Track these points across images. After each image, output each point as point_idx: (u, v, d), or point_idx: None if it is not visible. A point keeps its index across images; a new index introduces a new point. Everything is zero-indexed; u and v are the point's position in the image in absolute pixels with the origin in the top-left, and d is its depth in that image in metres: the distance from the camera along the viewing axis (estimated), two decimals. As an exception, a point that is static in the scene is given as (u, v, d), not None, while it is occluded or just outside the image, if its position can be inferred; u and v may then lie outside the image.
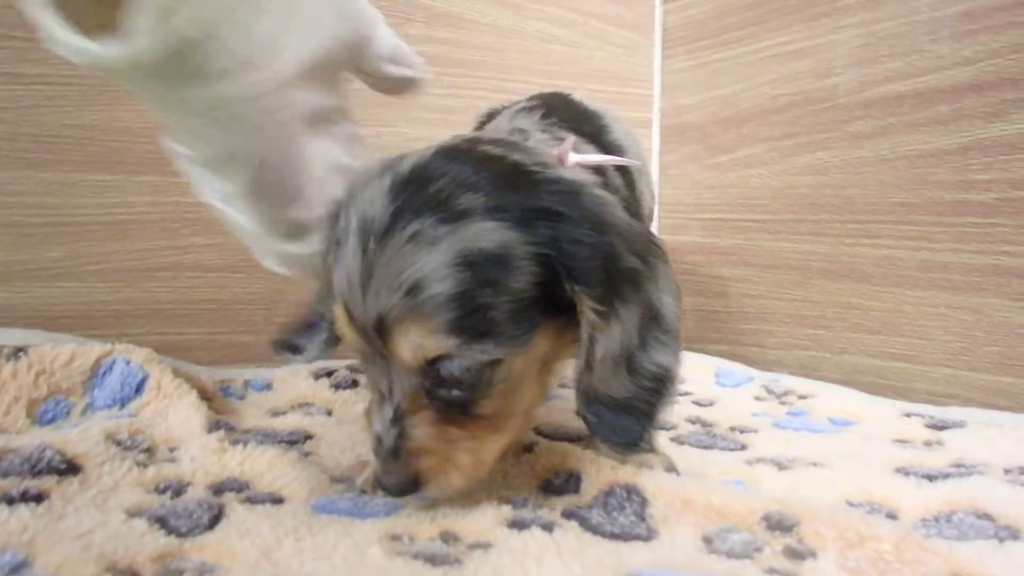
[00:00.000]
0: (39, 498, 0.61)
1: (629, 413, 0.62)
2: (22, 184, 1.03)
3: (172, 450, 0.78)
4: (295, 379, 1.11)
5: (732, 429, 0.96)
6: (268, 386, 1.09)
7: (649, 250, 0.65)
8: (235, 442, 0.78)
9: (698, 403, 1.13)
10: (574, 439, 0.85)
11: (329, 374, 1.12)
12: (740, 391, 1.20)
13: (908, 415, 1.01)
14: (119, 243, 1.10)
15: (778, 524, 0.57)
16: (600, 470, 0.68)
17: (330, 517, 0.63)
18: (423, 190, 0.59)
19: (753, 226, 1.43)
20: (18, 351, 0.90)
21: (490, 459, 0.64)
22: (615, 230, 0.61)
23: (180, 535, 0.57)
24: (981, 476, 0.73)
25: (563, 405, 0.99)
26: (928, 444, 0.89)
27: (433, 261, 0.56)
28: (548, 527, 0.59)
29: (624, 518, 0.62)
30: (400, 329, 0.58)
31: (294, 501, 0.67)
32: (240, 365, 1.18)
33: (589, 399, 0.62)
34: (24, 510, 0.58)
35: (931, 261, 1.14)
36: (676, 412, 1.04)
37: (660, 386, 0.63)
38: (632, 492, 0.65)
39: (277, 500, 0.67)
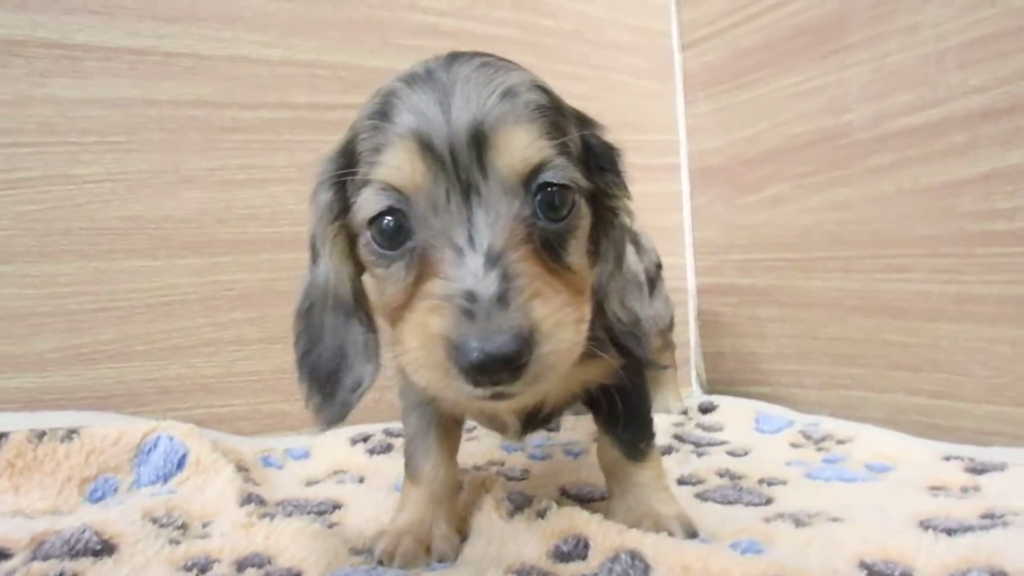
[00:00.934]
0: (74, 580, 0.64)
1: (631, 337, 0.69)
2: (75, 274, 1.10)
3: (205, 525, 0.81)
4: (333, 445, 1.14)
5: (761, 482, 0.95)
6: (307, 454, 1.13)
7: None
8: (263, 515, 0.81)
9: (732, 453, 1.11)
10: (597, 499, 0.86)
11: (366, 439, 1.15)
12: (778, 437, 1.19)
13: (948, 458, 0.98)
14: (165, 323, 1.16)
15: (772, 588, 0.57)
16: (607, 535, 0.68)
17: (342, 590, 0.65)
18: (462, 53, 0.62)
19: (784, 265, 1.42)
20: (71, 432, 0.95)
21: (587, 320, 0.58)
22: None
23: (200, 613, 0.60)
24: (1005, 528, 0.71)
25: (591, 461, 1.00)
26: (964, 490, 0.86)
27: (515, 77, 0.59)
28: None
29: None
30: (504, 131, 0.55)
31: (311, 574, 0.69)
32: (282, 433, 1.22)
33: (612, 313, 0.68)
34: (58, 592, 0.61)
35: (964, 293, 1.12)
36: (706, 466, 1.02)
37: (636, 328, 0.70)
38: (636, 558, 0.65)
39: (295, 574, 0.69)
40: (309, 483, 1.02)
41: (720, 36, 1.57)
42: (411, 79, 0.59)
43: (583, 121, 0.69)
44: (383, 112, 0.58)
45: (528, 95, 0.58)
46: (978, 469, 0.92)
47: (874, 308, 1.25)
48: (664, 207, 1.67)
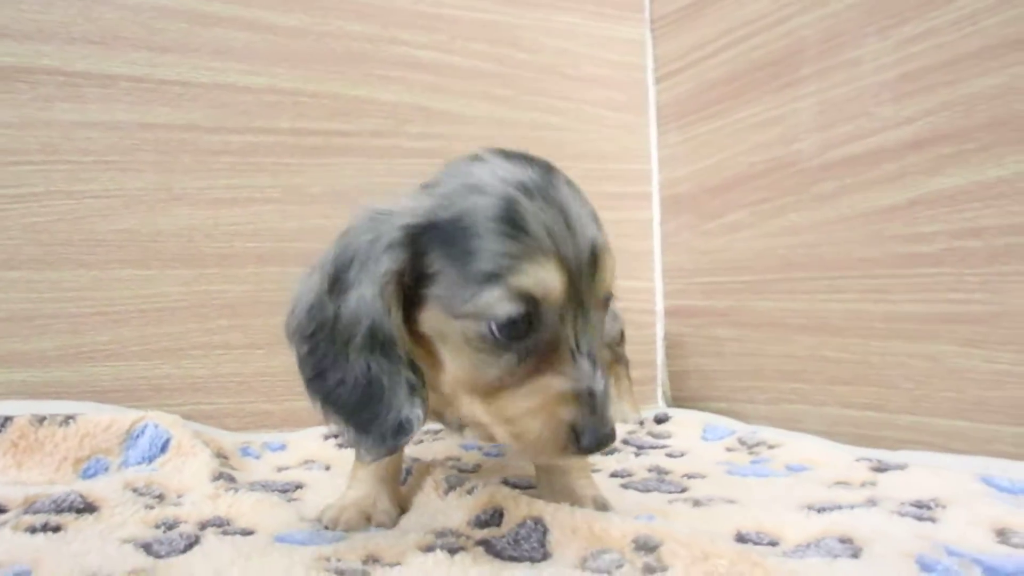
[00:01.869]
0: (56, 529, 0.78)
1: None
2: (75, 280, 1.26)
3: (179, 496, 0.95)
4: (308, 440, 1.28)
5: (684, 476, 1.05)
6: (283, 446, 1.27)
7: None
8: (229, 489, 0.94)
9: (670, 455, 1.22)
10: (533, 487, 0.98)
11: (336, 436, 1.28)
12: (718, 444, 1.29)
13: (860, 460, 1.08)
14: (156, 327, 1.31)
15: (644, 545, 0.67)
16: (519, 506, 0.79)
17: (284, 545, 0.76)
18: (531, 159, 0.70)
19: (741, 287, 1.54)
20: (68, 418, 1.10)
21: None
22: None
23: (158, 557, 0.73)
24: (869, 508, 0.82)
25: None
26: (863, 485, 0.96)
27: (589, 199, 0.70)
28: (453, 550, 0.71)
29: (528, 544, 0.73)
30: (607, 255, 0.67)
31: (262, 534, 0.82)
32: (265, 430, 1.36)
33: None
34: (41, 537, 0.75)
35: (892, 312, 1.23)
36: (640, 463, 1.14)
37: None
38: (538, 523, 0.76)
39: (248, 533, 0.82)
40: (280, 469, 1.15)
41: (691, 69, 1.70)
42: (525, 190, 0.65)
43: None
44: (513, 221, 0.64)
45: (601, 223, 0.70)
46: (881, 468, 1.02)
47: (816, 327, 1.36)
48: (636, 233, 1.80)
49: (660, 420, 1.46)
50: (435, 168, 0.77)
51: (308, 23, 1.46)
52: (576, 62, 1.75)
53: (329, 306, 0.69)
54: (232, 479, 1.02)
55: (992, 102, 1.09)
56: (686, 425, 1.41)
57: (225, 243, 1.37)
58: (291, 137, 1.43)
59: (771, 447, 1.22)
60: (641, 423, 1.46)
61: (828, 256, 1.35)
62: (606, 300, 0.69)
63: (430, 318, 0.69)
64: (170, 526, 0.83)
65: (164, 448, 1.09)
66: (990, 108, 1.09)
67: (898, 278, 1.22)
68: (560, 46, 1.73)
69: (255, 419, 1.37)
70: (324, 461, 1.19)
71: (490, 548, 0.73)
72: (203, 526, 0.84)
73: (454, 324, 0.66)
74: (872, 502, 0.86)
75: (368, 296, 0.67)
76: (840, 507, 0.84)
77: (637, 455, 1.23)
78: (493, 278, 0.63)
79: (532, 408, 0.65)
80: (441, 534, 0.78)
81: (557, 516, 0.76)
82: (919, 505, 0.82)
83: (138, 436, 1.11)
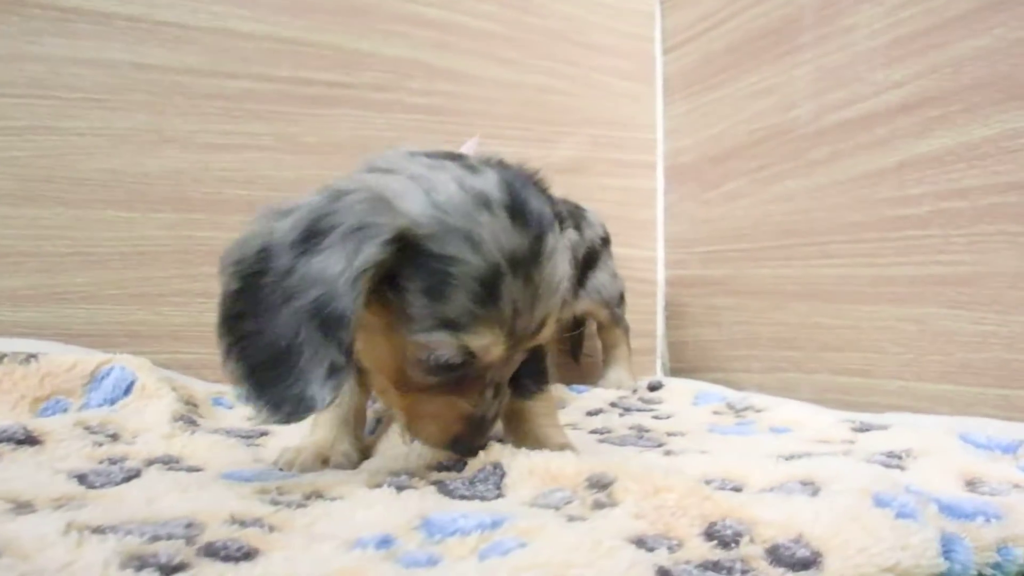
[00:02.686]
0: (-11, 458, 0.70)
1: None
2: (55, 220, 1.17)
3: (134, 437, 0.86)
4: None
5: (665, 434, 0.98)
6: (259, 398, 1.18)
7: None
8: (186, 431, 0.86)
9: (656, 417, 1.14)
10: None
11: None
12: (706, 408, 1.21)
13: (843, 421, 1.01)
14: (137, 271, 1.23)
15: (597, 482, 0.60)
16: (481, 454, 0.72)
17: (228, 481, 0.69)
18: (532, 215, 0.68)
19: (739, 255, 1.46)
20: (30, 357, 1.01)
21: None
22: None
23: (90, 487, 0.65)
24: (839, 457, 0.75)
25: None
26: (842, 443, 0.89)
27: (566, 264, 0.71)
28: (402, 487, 0.64)
29: (483, 486, 0.66)
30: (555, 317, 0.71)
31: (210, 471, 0.74)
32: (244, 382, 1.27)
33: None
34: (-33, 465, 0.67)
35: (879, 276, 1.16)
36: (623, 423, 1.06)
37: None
38: (497, 467, 0.69)
39: (195, 469, 0.74)
40: (251, 418, 1.06)
41: (696, 40, 1.61)
42: (513, 263, 0.65)
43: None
44: (490, 290, 0.64)
45: (568, 285, 0.72)
46: (863, 428, 0.95)
47: (809, 293, 1.29)
48: (639, 202, 1.70)
49: (653, 388, 1.37)
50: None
51: (313, -27, 1.37)
52: (585, 29, 1.65)
53: (286, 256, 0.63)
54: (193, 422, 0.94)
55: (977, 63, 1.05)
56: (678, 392, 1.32)
57: (214, 189, 1.28)
58: (289, 86, 1.34)
59: (758, 411, 1.14)
60: (634, 391, 1.37)
61: (821, 222, 1.27)
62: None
63: (383, 315, 0.66)
64: (114, 461, 0.75)
65: (128, 391, 1.00)
66: (975, 69, 1.05)
67: (887, 241, 1.16)
68: (569, 12, 1.63)
69: (236, 371, 1.28)
70: (298, 412, 1.10)
71: (442, 488, 0.66)
72: (149, 463, 0.75)
73: (400, 335, 0.66)
74: (844, 454, 0.80)
75: (334, 270, 0.61)
76: (811, 455, 0.76)
77: (622, 416, 1.15)
78: (450, 325, 0.64)
79: (435, 415, 0.70)
80: (395, 474, 0.69)
81: (516, 459, 0.68)
82: (890, 455, 0.77)
83: (102, 378, 1.02)
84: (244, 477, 0.71)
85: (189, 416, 0.94)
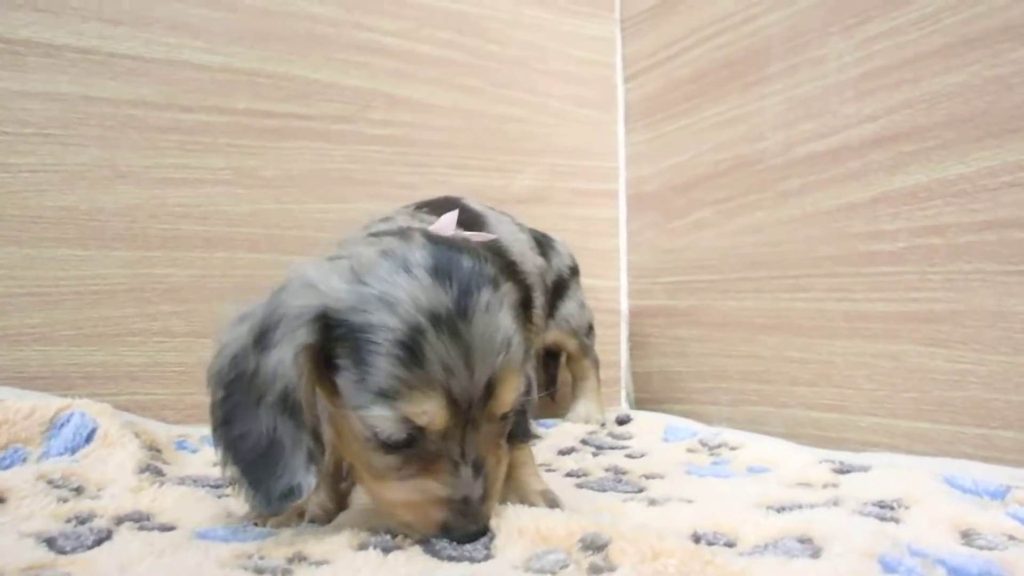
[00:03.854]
0: (-50, 520, 0.69)
1: None
2: (6, 259, 1.16)
3: (100, 490, 0.85)
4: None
5: (642, 476, 0.99)
6: (223, 441, 1.17)
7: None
8: (154, 483, 0.85)
9: (630, 456, 1.15)
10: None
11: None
12: (678, 445, 1.22)
13: (822, 461, 1.01)
14: (92, 311, 1.21)
15: (591, 544, 0.61)
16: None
17: (203, 541, 0.69)
18: (457, 272, 0.68)
19: (705, 287, 1.49)
20: (-16, 404, 0.99)
21: None
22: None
23: (61, 552, 0.64)
24: (832, 508, 0.76)
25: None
26: (825, 486, 0.90)
27: (508, 320, 0.68)
28: (388, 549, 0.64)
29: (470, 546, 0.66)
30: (507, 380, 0.68)
31: (183, 529, 0.73)
32: (205, 423, 1.25)
33: None
34: (-70, 530, 0.65)
35: (853, 311, 1.18)
36: (598, 463, 1.07)
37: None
38: (488, 530, 0.69)
39: (167, 528, 0.73)
40: (216, 464, 1.06)
41: (658, 68, 1.65)
42: (435, 322, 0.65)
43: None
44: (413, 351, 0.64)
45: (516, 343, 0.69)
46: (844, 470, 0.96)
47: (779, 327, 1.31)
48: (602, 231, 1.73)
49: (622, 422, 1.39)
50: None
51: (269, 2, 1.37)
52: (544, 56, 1.68)
53: (251, 359, 0.69)
54: (160, 472, 0.93)
55: (953, 99, 1.07)
56: (648, 426, 1.34)
57: (171, 225, 1.27)
58: (246, 118, 1.34)
59: (732, 448, 1.16)
60: (603, 424, 1.39)
61: (792, 254, 1.30)
62: (508, 411, 0.71)
63: (334, 401, 0.70)
64: (82, 520, 0.74)
65: (89, 438, 0.98)
66: (951, 106, 1.07)
67: (860, 276, 1.18)
68: (528, 39, 1.67)
69: (196, 411, 1.27)
70: (266, 455, 1.10)
71: (428, 548, 0.66)
72: (119, 521, 0.75)
73: (351, 416, 0.68)
74: (834, 502, 0.81)
75: (286, 360, 0.67)
76: (800, 506, 0.78)
77: (595, 455, 1.16)
78: (384, 397, 0.65)
79: (409, 503, 0.68)
80: (376, 532, 0.70)
81: (504, 519, 0.69)
82: (882, 505, 0.77)
83: (62, 425, 0.99)
84: (220, 536, 0.71)
85: (154, 465, 0.93)
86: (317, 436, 0.68)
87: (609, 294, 1.71)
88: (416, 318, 0.65)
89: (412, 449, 0.67)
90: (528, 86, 1.65)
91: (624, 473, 1.02)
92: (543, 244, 1.33)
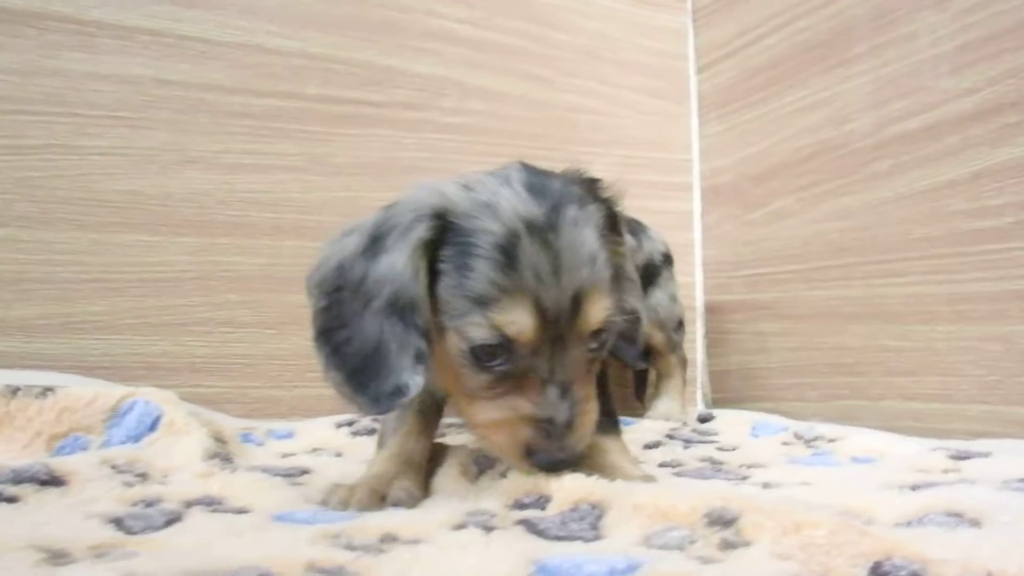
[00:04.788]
0: (12, 500, 0.62)
1: (626, 339, 0.79)
2: (71, 244, 1.11)
3: (165, 476, 0.78)
4: (316, 429, 1.11)
5: (742, 466, 0.91)
6: (290, 434, 1.10)
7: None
8: (224, 469, 0.78)
9: (721, 448, 1.07)
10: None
11: (351, 423, 1.12)
12: (771, 439, 1.14)
13: (934, 449, 0.94)
14: (157, 299, 1.15)
15: (719, 519, 0.53)
16: (567, 488, 0.64)
17: (283, 524, 0.62)
18: (551, 190, 0.69)
19: (788, 277, 1.39)
20: (46, 390, 0.93)
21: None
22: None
23: (130, 533, 0.57)
24: (971, 485, 0.68)
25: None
26: (945, 471, 0.82)
27: (593, 237, 0.69)
28: (488, 528, 0.56)
29: (576, 525, 0.59)
30: (593, 297, 0.67)
31: (258, 513, 0.66)
32: (270, 418, 1.19)
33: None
34: (-7, 506, 0.59)
35: (956, 293, 1.10)
36: (690, 455, 0.99)
37: (636, 321, 0.79)
38: (595, 507, 0.61)
39: (242, 511, 0.66)
40: (285, 456, 0.99)
41: (732, 57, 1.56)
42: (529, 228, 0.66)
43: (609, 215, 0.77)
44: (509, 255, 0.65)
45: (601, 256, 0.69)
46: (962, 456, 0.88)
47: (872, 314, 1.22)
48: (676, 225, 1.64)
49: (704, 419, 1.29)
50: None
51: (342, -12, 1.32)
52: (615, 46, 1.60)
53: (359, 266, 0.70)
54: (228, 459, 0.86)
55: None
56: (733, 423, 1.25)
57: (240, 212, 1.21)
58: (318, 104, 1.28)
59: (831, 440, 1.07)
60: (685, 423, 1.29)
61: (884, 238, 1.21)
62: (596, 332, 0.70)
63: (437, 314, 0.70)
64: (149, 503, 0.67)
65: (153, 426, 0.92)
66: None
67: (963, 256, 1.09)
68: (598, 28, 1.59)
69: (261, 406, 1.21)
70: (335, 448, 1.03)
71: (531, 527, 0.58)
72: (189, 504, 0.67)
73: (448, 332, 0.69)
74: (970, 482, 0.71)
75: (399, 264, 0.68)
76: (935, 485, 0.69)
77: (685, 447, 1.08)
78: (478, 303, 0.66)
79: (497, 422, 0.68)
80: (471, 514, 0.62)
81: (615, 494, 0.60)
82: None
83: (125, 413, 0.93)
84: (300, 519, 0.63)
85: (223, 453, 0.86)
86: (427, 335, 0.68)
87: (684, 290, 1.60)
88: (515, 223, 0.66)
89: (503, 366, 0.67)
90: (599, 76, 1.57)
91: (721, 463, 0.94)
92: (633, 226, 1.26)
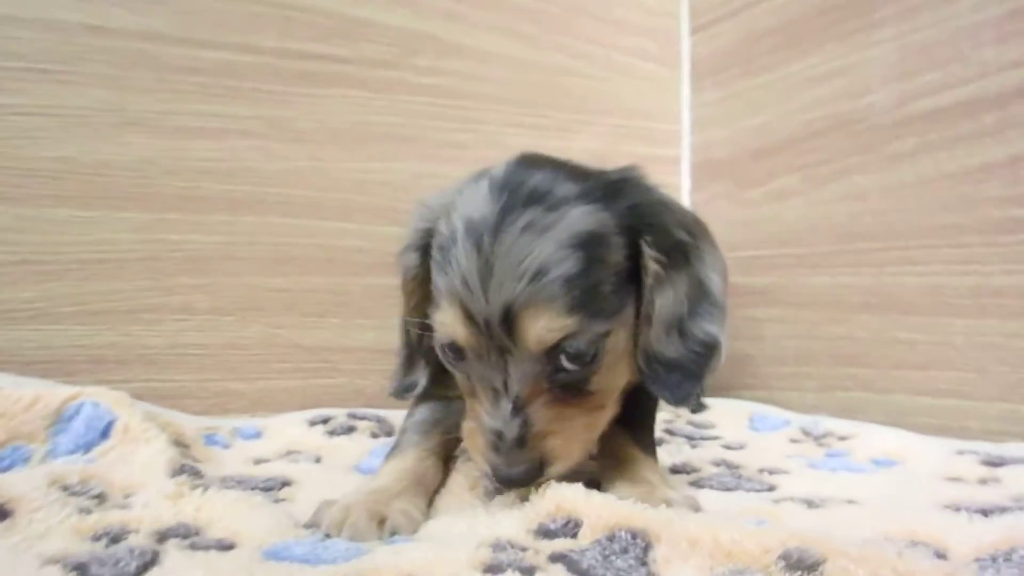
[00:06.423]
0: (-51, 541, 0.55)
1: (679, 372, 0.71)
2: (-5, 220, 1.00)
3: (127, 496, 0.72)
4: (287, 427, 1.06)
5: (761, 471, 0.90)
6: (258, 434, 1.04)
7: (696, 229, 0.76)
8: (196, 487, 0.71)
9: (727, 447, 1.07)
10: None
11: (325, 421, 1.07)
12: (775, 435, 1.13)
13: (961, 452, 0.93)
14: (100, 283, 1.07)
15: (798, 563, 0.49)
16: (601, 511, 0.60)
17: (279, 564, 0.56)
18: (522, 187, 0.67)
19: (789, 262, 1.36)
20: (-24, 394, 0.84)
21: (600, 431, 0.73)
22: (666, 207, 0.74)
23: (98, 583, 0.50)
24: None
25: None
26: (983, 481, 0.81)
27: (549, 246, 0.64)
28: (528, 571, 0.51)
29: (622, 562, 0.54)
30: (529, 315, 0.64)
31: (245, 547, 0.60)
32: (232, 415, 1.12)
33: (648, 357, 0.71)
34: (-76, 554, 0.51)
35: (982, 286, 1.07)
36: (700, 456, 0.98)
37: (707, 351, 0.72)
38: (637, 536, 0.56)
39: (226, 547, 0.60)
40: (258, 462, 0.92)
41: (732, 18, 1.51)
42: (469, 231, 0.66)
43: (629, 196, 0.72)
44: (448, 251, 0.68)
45: (557, 270, 0.64)
46: (995, 462, 0.87)
47: (882, 304, 1.20)
48: (661, 202, 1.59)
49: (695, 410, 1.27)
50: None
51: (302, -73, 1.22)
52: (607, 3, 1.53)
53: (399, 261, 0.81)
54: (197, 473, 0.79)
55: None
56: (728, 414, 1.25)
57: (190, 183, 1.13)
58: (276, 59, 1.19)
59: (842, 439, 1.07)
60: (677, 415, 1.26)
61: (900, 224, 1.18)
62: (549, 350, 0.66)
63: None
64: (114, 537, 0.60)
65: (105, 433, 0.85)
66: None
67: (994, 247, 1.06)
68: (588, -18, 1.52)
69: (221, 401, 1.14)
70: (311, 452, 0.97)
71: (571, 565, 0.54)
72: (161, 537, 0.61)
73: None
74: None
75: (407, 265, 0.79)
76: (1000, 508, 0.67)
77: (692, 446, 1.06)
78: (436, 302, 0.70)
79: (467, 427, 0.71)
80: (497, 546, 0.56)
81: (659, 523, 0.56)
82: None
83: (71, 418, 0.86)
84: (298, 556, 0.57)
85: (191, 466, 0.79)
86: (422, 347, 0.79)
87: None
88: (456, 225, 0.67)
89: (463, 366, 0.70)
90: (589, 36, 1.51)
91: (736, 467, 0.92)
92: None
